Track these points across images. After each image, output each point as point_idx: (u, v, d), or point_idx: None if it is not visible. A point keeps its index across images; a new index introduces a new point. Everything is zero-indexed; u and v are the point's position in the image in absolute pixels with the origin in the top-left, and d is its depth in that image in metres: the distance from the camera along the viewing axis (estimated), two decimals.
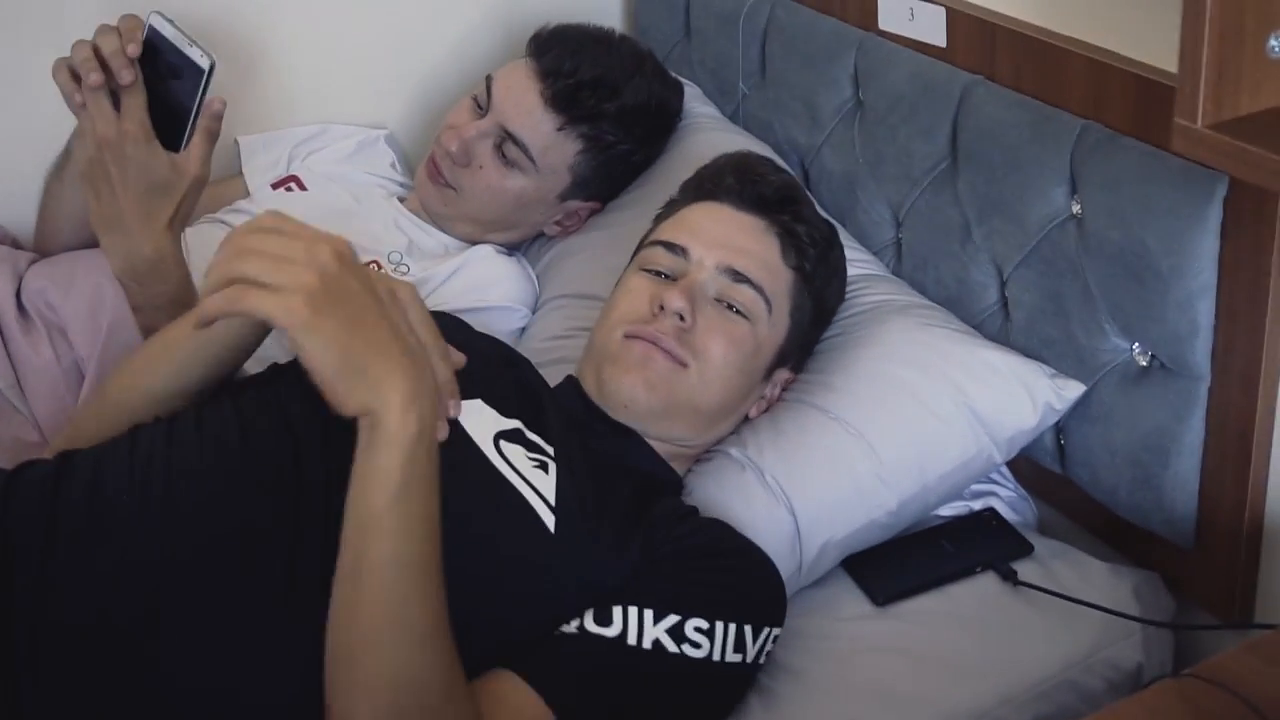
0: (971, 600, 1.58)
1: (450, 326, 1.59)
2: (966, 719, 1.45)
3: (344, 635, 1.17)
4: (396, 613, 1.17)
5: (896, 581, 1.59)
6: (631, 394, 1.52)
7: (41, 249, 1.99)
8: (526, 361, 1.65)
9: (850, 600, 1.60)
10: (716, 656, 1.34)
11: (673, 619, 1.32)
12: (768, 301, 1.57)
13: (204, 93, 1.54)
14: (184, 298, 1.62)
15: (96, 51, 1.54)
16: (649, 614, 1.32)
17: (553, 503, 1.40)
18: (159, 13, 1.55)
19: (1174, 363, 1.52)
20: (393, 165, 2.20)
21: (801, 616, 1.52)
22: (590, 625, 1.31)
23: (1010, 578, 1.59)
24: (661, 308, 1.53)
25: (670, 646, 1.32)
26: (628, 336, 1.54)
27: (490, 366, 1.55)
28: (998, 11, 1.70)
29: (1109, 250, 1.53)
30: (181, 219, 1.62)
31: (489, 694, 1.26)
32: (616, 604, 1.32)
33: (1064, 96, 1.60)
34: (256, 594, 1.27)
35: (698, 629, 1.33)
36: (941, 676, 1.48)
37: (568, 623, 1.32)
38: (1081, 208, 1.57)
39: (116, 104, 1.56)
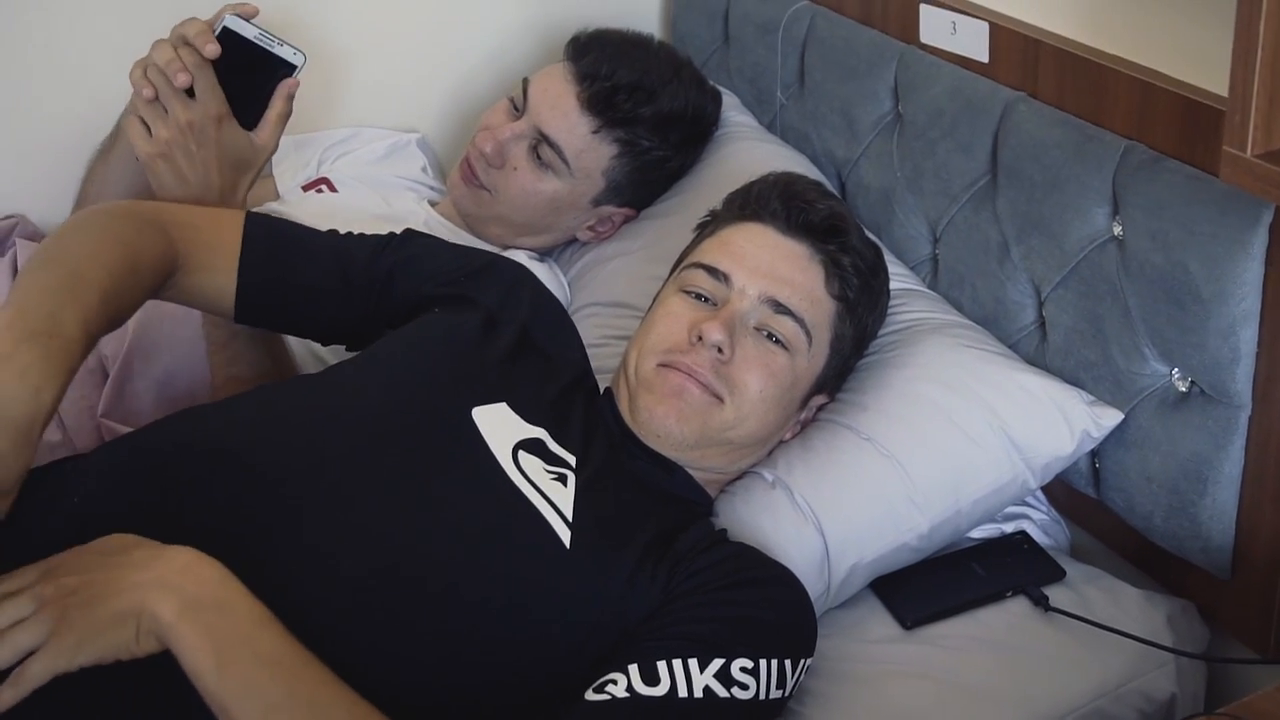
0: (1001, 625, 1.56)
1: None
2: None
3: None
4: None
5: (925, 604, 1.58)
6: (664, 426, 1.49)
7: None
8: (579, 361, 1.63)
9: (878, 622, 1.58)
10: (763, 695, 1.33)
11: (718, 663, 1.31)
12: (809, 334, 1.54)
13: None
14: None
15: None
16: (694, 663, 1.30)
17: (569, 518, 1.38)
18: (237, 15, 1.64)
19: (1214, 390, 1.50)
20: (424, 169, 2.19)
21: (828, 638, 1.50)
22: (639, 687, 1.29)
23: (1041, 603, 1.57)
24: (700, 338, 1.50)
25: (721, 691, 1.30)
26: (662, 366, 1.51)
27: (517, 367, 1.53)
28: (1042, 28, 1.68)
29: (1150, 273, 1.51)
30: (248, 193, 1.71)
31: None
32: (660, 659, 1.30)
33: (1107, 116, 1.58)
34: None
35: (743, 669, 1.32)
36: (969, 703, 1.46)
37: (614, 682, 1.29)
38: (1123, 229, 1.55)
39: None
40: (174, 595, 1.18)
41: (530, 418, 1.46)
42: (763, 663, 1.33)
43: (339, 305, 1.58)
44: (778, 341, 1.53)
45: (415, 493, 1.35)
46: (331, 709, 1.19)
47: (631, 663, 1.30)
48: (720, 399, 1.50)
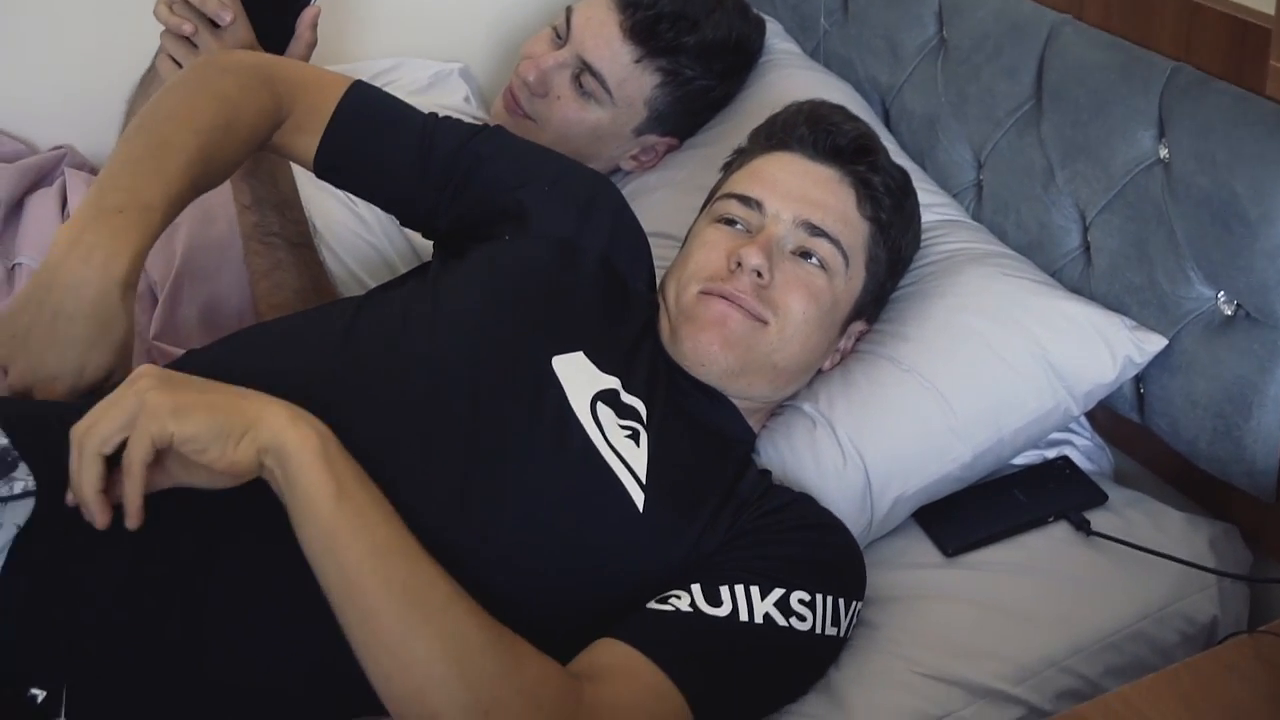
0: (1043, 550, 1.56)
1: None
2: (1036, 668, 1.44)
3: (378, 648, 1.19)
4: (404, 596, 1.19)
5: (967, 532, 1.58)
6: (708, 353, 1.48)
7: None
8: (639, 288, 1.61)
9: (920, 550, 1.58)
10: (819, 629, 1.35)
11: (779, 592, 1.33)
12: (845, 255, 1.54)
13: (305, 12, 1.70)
14: (292, 197, 1.71)
15: None
16: (755, 590, 1.33)
17: (643, 479, 1.38)
18: None
19: (1260, 313, 1.49)
20: (466, 99, 2.19)
21: (871, 568, 1.49)
22: (702, 605, 1.31)
23: (1083, 527, 1.57)
24: (739, 264, 1.49)
25: (780, 620, 1.32)
26: (704, 294, 1.50)
27: (597, 307, 1.51)
28: None
29: (1196, 196, 1.50)
30: None
31: (605, 668, 1.27)
32: (723, 584, 1.33)
33: (1154, 37, 1.57)
34: None
35: (801, 601, 1.34)
36: (1011, 626, 1.47)
37: (677, 596, 1.32)
38: (1169, 152, 1.54)
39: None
40: (305, 424, 1.21)
41: (605, 365, 1.45)
42: (819, 597, 1.35)
43: (413, 188, 1.58)
44: (816, 263, 1.53)
45: (497, 448, 1.35)
46: (427, 565, 1.22)
47: (695, 582, 1.33)
48: (764, 321, 1.50)
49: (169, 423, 1.16)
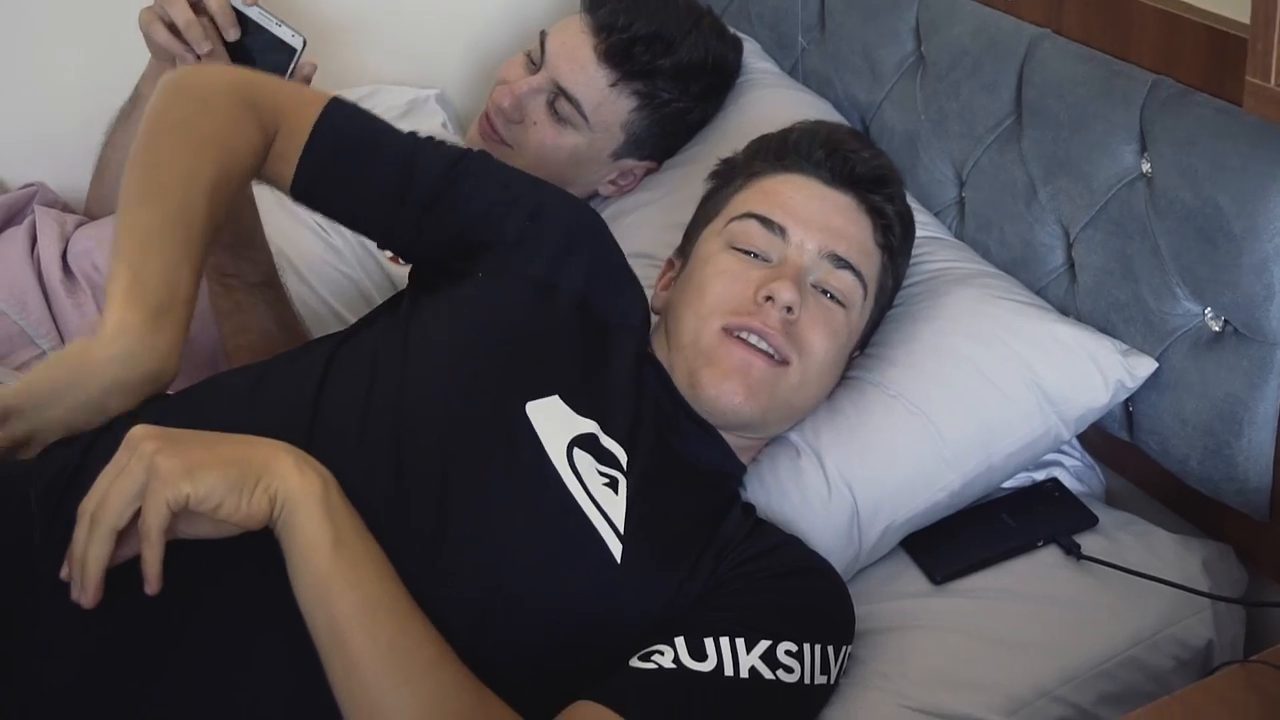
0: (1033, 576, 1.53)
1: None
2: (1027, 698, 1.41)
3: (361, 701, 1.17)
4: (390, 654, 1.18)
5: (955, 559, 1.55)
6: (731, 403, 1.44)
7: (93, 211, 1.99)
8: (638, 328, 1.56)
9: (907, 580, 1.55)
10: (807, 679, 1.31)
11: (764, 644, 1.30)
12: (865, 287, 1.50)
13: (294, 66, 1.71)
14: (254, 237, 1.68)
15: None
16: (740, 643, 1.29)
17: (621, 529, 1.34)
18: None
19: (1248, 328, 1.46)
20: (444, 125, 2.17)
21: (857, 600, 1.45)
22: (686, 660, 1.27)
23: (1073, 551, 1.54)
24: (769, 299, 1.44)
25: (766, 673, 1.29)
26: (726, 330, 1.44)
27: (573, 349, 1.46)
28: None
29: (1180, 211, 1.47)
30: None
31: None
32: (708, 636, 1.29)
33: (1134, 50, 1.54)
34: None
35: (788, 652, 1.30)
36: (1000, 655, 1.44)
37: (660, 652, 1.28)
38: (1151, 166, 1.51)
39: None
40: (310, 469, 1.21)
41: (582, 409, 1.40)
42: (806, 647, 1.32)
43: (392, 213, 1.51)
44: (834, 298, 1.49)
45: (472, 499, 1.31)
46: (417, 623, 1.21)
47: (679, 635, 1.29)
48: (787, 361, 1.45)
49: (184, 485, 1.15)
